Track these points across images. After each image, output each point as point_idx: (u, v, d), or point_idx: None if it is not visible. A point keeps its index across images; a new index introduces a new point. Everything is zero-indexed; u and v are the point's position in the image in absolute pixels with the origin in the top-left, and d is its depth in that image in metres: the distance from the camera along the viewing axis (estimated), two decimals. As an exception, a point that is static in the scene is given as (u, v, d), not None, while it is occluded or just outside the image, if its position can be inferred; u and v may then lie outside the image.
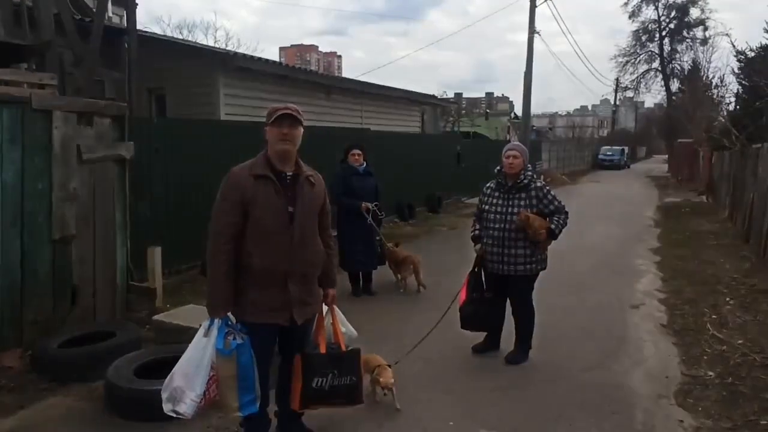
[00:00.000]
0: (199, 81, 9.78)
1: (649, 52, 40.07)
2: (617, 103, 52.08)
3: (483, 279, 4.38)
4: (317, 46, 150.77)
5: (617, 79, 43.62)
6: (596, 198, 18.01)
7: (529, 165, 4.35)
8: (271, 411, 3.12)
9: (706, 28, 36.40)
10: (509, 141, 23.39)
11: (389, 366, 3.60)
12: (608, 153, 39.95)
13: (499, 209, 4.25)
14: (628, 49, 40.04)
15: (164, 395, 2.73)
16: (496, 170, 4.37)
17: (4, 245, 4.15)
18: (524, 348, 4.41)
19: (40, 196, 4.38)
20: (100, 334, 4.26)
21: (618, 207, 15.40)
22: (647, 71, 40.44)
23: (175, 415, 2.73)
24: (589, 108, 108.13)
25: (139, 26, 9.35)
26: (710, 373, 4.18)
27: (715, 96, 20.36)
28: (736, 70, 17.54)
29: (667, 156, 41.46)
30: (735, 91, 18.69)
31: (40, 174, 4.37)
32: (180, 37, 20.79)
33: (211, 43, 24.40)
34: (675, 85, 37.27)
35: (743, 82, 16.99)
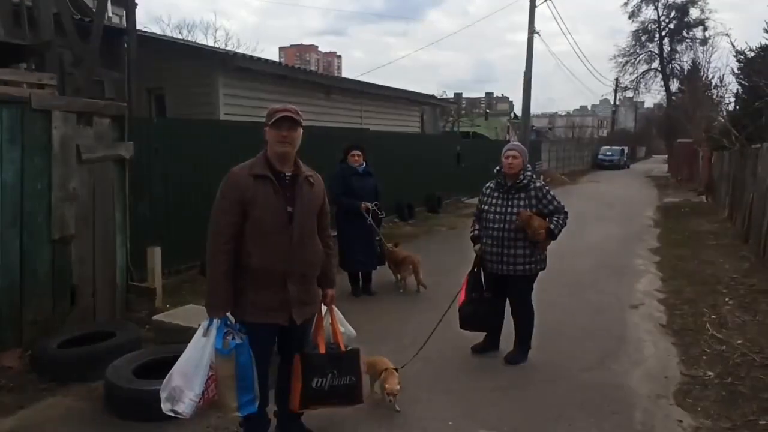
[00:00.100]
0: (199, 81, 9.78)
1: (649, 52, 40.10)
2: (617, 103, 52.09)
3: (482, 279, 4.38)
4: (317, 46, 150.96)
5: (617, 79, 43.71)
6: (596, 198, 18.00)
7: (528, 165, 4.35)
8: (270, 411, 3.12)
9: (705, 28, 36.48)
10: (509, 141, 23.41)
11: (396, 370, 3.57)
12: (608, 153, 39.97)
13: (498, 209, 4.25)
14: (627, 49, 40.10)
15: (163, 395, 2.74)
16: (495, 170, 4.37)
17: (4, 245, 4.15)
18: (524, 348, 4.41)
19: (40, 196, 4.38)
20: (100, 334, 4.26)
21: (617, 207, 15.41)
22: (647, 71, 40.49)
23: (173, 415, 2.73)
24: (589, 108, 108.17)
25: (138, 26, 9.34)
26: (709, 373, 4.19)
27: (714, 96, 20.38)
28: (736, 70, 17.55)
29: (666, 156, 41.50)
30: (734, 91, 18.72)
31: (40, 174, 4.37)
32: (180, 37, 20.78)
33: (210, 43, 24.42)
34: (675, 85, 37.31)
35: (743, 82, 16.99)
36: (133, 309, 5.18)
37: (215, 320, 2.73)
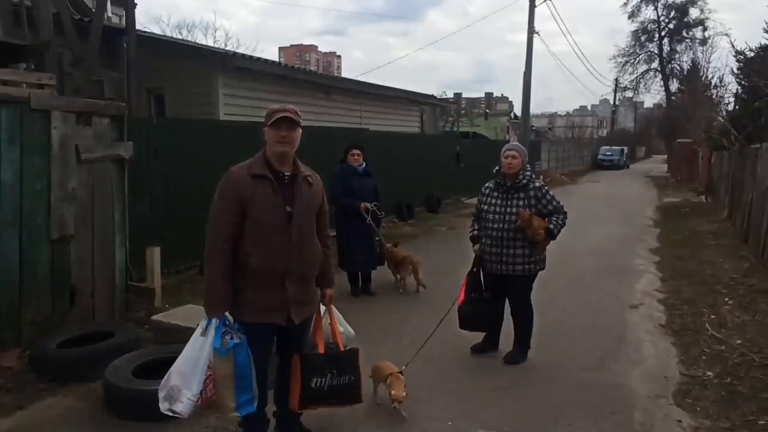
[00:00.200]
0: (199, 81, 9.78)
1: (649, 53, 40.11)
2: (616, 103, 52.12)
3: (481, 279, 4.38)
4: (317, 46, 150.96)
5: (616, 79, 43.74)
6: (595, 198, 18.01)
7: (528, 165, 4.35)
8: (269, 411, 3.12)
9: (705, 29, 36.48)
10: (508, 141, 23.41)
11: (401, 373, 3.52)
12: (607, 153, 39.99)
13: (497, 209, 4.25)
14: (627, 49, 40.11)
15: (161, 394, 2.74)
16: (494, 170, 4.37)
17: (3, 245, 4.15)
18: (523, 348, 4.41)
19: (39, 196, 4.37)
20: (99, 334, 4.26)
21: (617, 207, 15.40)
22: (646, 71, 40.51)
23: (171, 414, 2.73)
24: (589, 108, 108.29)
25: (138, 26, 9.34)
26: (709, 373, 4.19)
27: (714, 96, 20.36)
28: (736, 70, 17.52)
29: (666, 156, 41.50)
30: (734, 91, 18.69)
31: (39, 174, 4.37)
32: (179, 37, 20.79)
33: (210, 43, 24.41)
34: (674, 86, 37.31)
35: (742, 82, 16.98)
36: (132, 309, 5.18)
37: (214, 320, 2.73)
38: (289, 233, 2.80)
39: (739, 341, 4.77)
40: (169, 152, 6.32)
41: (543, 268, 4.36)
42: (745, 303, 5.94)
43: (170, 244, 5.88)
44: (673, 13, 38.57)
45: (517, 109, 34.70)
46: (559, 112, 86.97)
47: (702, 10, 36.96)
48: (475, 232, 4.46)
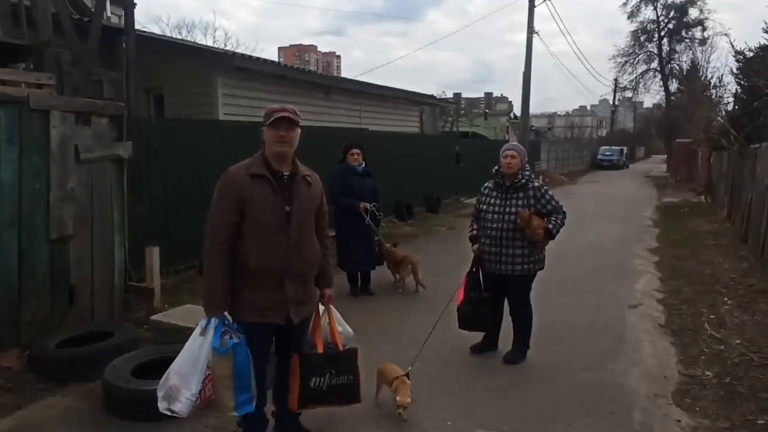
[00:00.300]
0: (198, 81, 9.78)
1: (648, 53, 40.10)
2: (616, 103, 52.16)
3: (481, 279, 4.38)
4: (316, 46, 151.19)
5: (616, 80, 43.79)
6: (595, 198, 18.02)
7: (527, 165, 4.35)
8: (268, 411, 3.11)
9: (704, 29, 36.50)
10: (508, 141, 23.41)
11: (407, 376, 3.50)
12: (607, 153, 40.02)
13: (497, 209, 4.25)
14: (626, 49, 40.12)
15: (160, 394, 2.74)
16: (494, 170, 4.37)
17: (2, 245, 4.15)
18: (522, 348, 4.41)
19: (38, 196, 4.37)
20: (98, 334, 4.25)
21: (617, 207, 15.41)
22: (646, 71, 40.51)
23: (170, 414, 2.73)
24: (588, 108, 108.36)
25: (137, 26, 9.33)
26: (708, 373, 4.19)
27: (713, 96, 20.37)
28: (735, 70, 17.50)
29: (665, 156, 41.51)
30: (733, 91, 18.68)
31: (38, 174, 4.37)
32: (179, 37, 20.79)
33: (209, 43, 24.39)
34: (674, 86, 37.31)
35: (742, 82, 16.96)
36: (132, 309, 5.17)
37: (213, 319, 2.73)
38: (288, 233, 2.80)
39: (738, 341, 4.77)
40: (168, 152, 6.32)
41: (542, 268, 4.36)
42: (745, 303, 5.94)
43: (169, 244, 5.88)
44: (672, 13, 38.59)
45: (517, 109, 34.69)
46: (558, 112, 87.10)
47: (701, 10, 37.03)
48: (475, 231, 4.46)
